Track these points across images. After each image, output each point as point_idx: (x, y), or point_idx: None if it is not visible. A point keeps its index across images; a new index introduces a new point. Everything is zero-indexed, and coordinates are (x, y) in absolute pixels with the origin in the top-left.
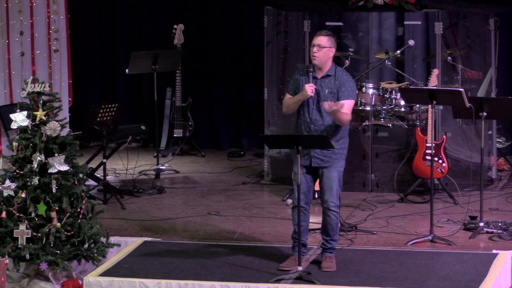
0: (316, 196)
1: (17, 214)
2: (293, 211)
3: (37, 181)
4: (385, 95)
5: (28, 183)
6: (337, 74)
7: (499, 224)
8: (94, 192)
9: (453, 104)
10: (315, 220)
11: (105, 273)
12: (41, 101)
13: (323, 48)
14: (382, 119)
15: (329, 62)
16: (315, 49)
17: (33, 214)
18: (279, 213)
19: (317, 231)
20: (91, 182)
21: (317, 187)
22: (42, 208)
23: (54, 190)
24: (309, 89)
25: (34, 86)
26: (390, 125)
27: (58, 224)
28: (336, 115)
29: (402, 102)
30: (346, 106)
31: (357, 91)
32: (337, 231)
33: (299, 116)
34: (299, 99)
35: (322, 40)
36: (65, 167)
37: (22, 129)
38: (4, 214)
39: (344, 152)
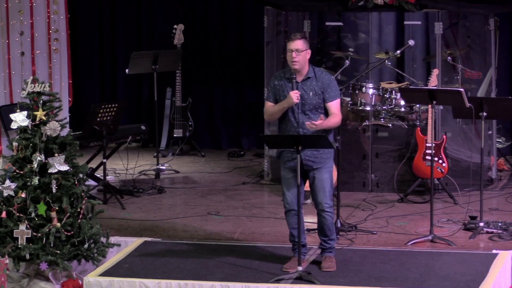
0: (310, 201)
1: (17, 214)
2: (287, 215)
3: (37, 181)
4: (385, 95)
5: (28, 183)
6: (317, 75)
7: (499, 224)
8: (94, 192)
9: (453, 104)
10: (314, 220)
11: (105, 273)
12: (41, 101)
13: (302, 52)
14: (382, 119)
15: (307, 64)
16: (294, 54)
17: (33, 214)
18: (279, 213)
19: (316, 230)
20: (91, 182)
21: (307, 188)
22: (42, 208)
23: (54, 190)
24: (295, 96)
25: (34, 86)
26: (390, 125)
27: (58, 224)
28: (324, 127)
29: (402, 102)
30: (335, 107)
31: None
32: (334, 230)
33: (285, 121)
34: (284, 106)
35: (299, 44)
36: (65, 167)
37: (22, 129)
38: (4, 214)
39: (332, 151)
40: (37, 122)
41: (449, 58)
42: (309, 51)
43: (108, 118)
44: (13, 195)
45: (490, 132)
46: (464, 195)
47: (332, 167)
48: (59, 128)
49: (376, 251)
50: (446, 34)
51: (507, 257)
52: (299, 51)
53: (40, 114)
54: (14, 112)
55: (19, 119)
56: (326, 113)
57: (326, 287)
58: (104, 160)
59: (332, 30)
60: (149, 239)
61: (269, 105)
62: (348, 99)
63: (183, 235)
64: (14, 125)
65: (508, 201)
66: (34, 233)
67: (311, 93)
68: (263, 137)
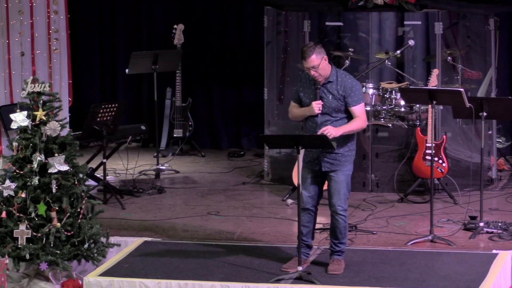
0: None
1: (17, 214)
2: (301, 212)
3: (37, 181)
4: (385, 95)
5: (28, 183)
6: (339, 78)
7: (499, 224)
8: (94, 192)
9: (453, 104)
10: (318, 220)
11: (105, 273)
12: (41, 101)
13: (319, 66)
14: (382, 119)
15: (329, 69)
16: (312, 72)
17: (33, 214)
18: (279, 213)
19: (317, 230)
20: (91, 182)
21: (325, 187)
22: (42, 208)
23: (54, 190)
24: (316, 107)
25: (34, 86)
26: (390, 125)
27: (58, 224)
28: (345, 132)
29: (402, 102)
30: (358, 111)
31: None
32: (346, 234)
33: (307, 121)
34: (306, 114)
35: (313, 60)
36: (65, 167)
37: (22, 129)
38: (4, 214)
39: (353, 154)
40: (37, 122)
41: (449, 58)
42: (325, 57)
43: (108, 118)
44: (13, 195)
45: (490, 132)
46: (464, 195)
47: (351, 171)
48: (59, 128)
49: (376, 251)
50: (446, 34)
51: (507, 257)
52: (315, 67)
53: (40, 114)
54: (14, 112)
55: (19, 119)
56: (350, 116)
57: (326, 287)
58: (104, 160)
59: (332, 30)
60: (149, 239)
61: (292, 105)
62: None
63: (183, 235)
64: (14, 125)
65: (508, 201)
66: (34, 233)
67: (330, 96)
68: (263, 137)
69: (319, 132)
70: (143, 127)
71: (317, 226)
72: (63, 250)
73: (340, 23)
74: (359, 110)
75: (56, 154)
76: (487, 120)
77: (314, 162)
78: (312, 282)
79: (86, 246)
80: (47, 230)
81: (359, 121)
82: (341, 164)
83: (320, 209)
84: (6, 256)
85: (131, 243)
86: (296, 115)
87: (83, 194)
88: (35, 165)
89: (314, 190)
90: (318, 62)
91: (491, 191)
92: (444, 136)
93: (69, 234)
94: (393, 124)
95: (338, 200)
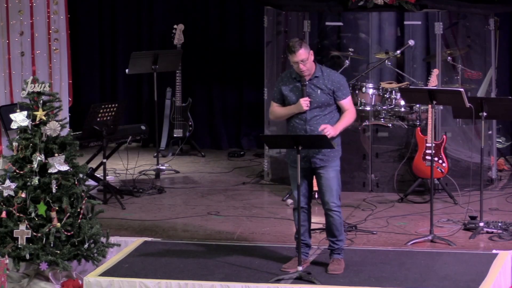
0: (316, 196)
1: (17, 214)
2: (295, 212)
3: (37, 181)
4: (385, 95)
5: (28, 183)
6: (325, 73)
7: (499, 224)
8: (94, 192)
9: (453, 104)
10: (315, 220)
11: (105, 273)
12: (41, 101)
13: (307, 60)
14: (382, 119)
15: (313, 65)
16: (301, 66)
17: (33, 214)
18: (279, 213)
19: (317, 231)
20: (91, 182)
21: (315, 187)
22: (42, 208)
23: (54, 190)
24: (304, 103)
25: (34, 86)
26: (390, 125)
27: (58, 224)
28: (342, 128)
29: (402, 102)
30: (348, 103)
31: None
32: (342, 231)
33: (292, 119)
34: (294, 112)
35: (302, 54)
36: (65, 167)
37: (22, 129)
38: (4, 214)
39: (340, 149)
40: (37, 122)
41: (449, 58)
42: (311, 52)
43: (108, 118)
44: (13, 195)
45: (490, 132)
46: (464, 195)
47: (339, 166)
48: (59, 128)
49: (376, 251)
50: (446, 34)
51: (507, 257)
52: (304, 61)
53: (40, 114)
54: (14, 112)
55: (19, 119)
56: (338, 110)
57: (326, 287)
58: (104, 160)
59: (332, 30)
60: (149, 239)
61: (274, 106)
62: None
63: (183, 235)
64: (14, 125)
65: (508, 201)
66: (34, 233)
67: (318, 91)
68: (263, 137)
69: (320, 129)
70: (143, 127)
71: (317, 226)
72: (63, 250)
73: (340, 23)
74: (348, 103)
75: (56, 154)
76: (487, 120)
77: (303, 160)
78: (312, 282)
79: (86, 246)
80: (47, 230)
81: (351, 114)
82: (331, 160)
83: (320, 209)
84: (6, 256)
85: (131, 243)
86: (281, 114)
87: (83, 194)
88: (35, 165)
89: (305, 188)
90: (306, 56)
91: (491, 191)
92: (444, 136)
93: (69, 234)
94: (393, 124)
95: (331, 197)
